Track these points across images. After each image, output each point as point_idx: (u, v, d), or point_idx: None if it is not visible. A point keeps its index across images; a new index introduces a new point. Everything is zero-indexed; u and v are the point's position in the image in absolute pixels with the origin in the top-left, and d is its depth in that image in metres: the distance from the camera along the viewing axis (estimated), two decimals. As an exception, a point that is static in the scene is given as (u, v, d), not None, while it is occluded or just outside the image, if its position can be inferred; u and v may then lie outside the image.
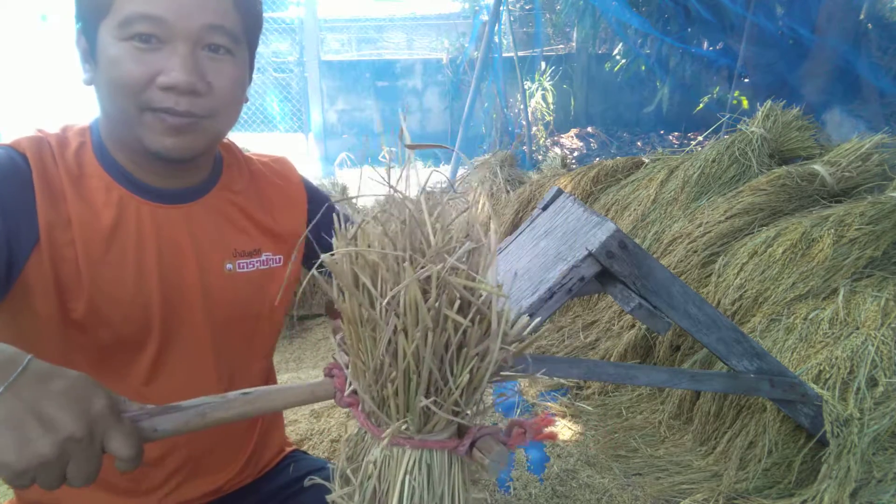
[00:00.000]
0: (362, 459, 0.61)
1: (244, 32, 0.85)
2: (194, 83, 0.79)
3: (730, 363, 1.58)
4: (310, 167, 7.00)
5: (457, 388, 0.54)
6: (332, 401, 0.65)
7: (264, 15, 0.89)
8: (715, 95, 6.25)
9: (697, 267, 2.46)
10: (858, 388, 1.70)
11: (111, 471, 0.66)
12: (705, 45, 6.17)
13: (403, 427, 0.57)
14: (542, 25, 7.73)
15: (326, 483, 0.65)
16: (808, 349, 1.88)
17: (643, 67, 6.49)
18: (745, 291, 2.20)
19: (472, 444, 0.58)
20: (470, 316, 0.52)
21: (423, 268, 0.52)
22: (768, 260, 2.23)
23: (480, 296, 0.53)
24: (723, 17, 4.99)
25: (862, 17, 5.18)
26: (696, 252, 2.50)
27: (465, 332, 0.53)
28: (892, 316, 1.86)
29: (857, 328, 1.87)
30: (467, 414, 0.58)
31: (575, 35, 8.10)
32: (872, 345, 1.77)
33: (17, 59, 4.98)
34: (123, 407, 0.59)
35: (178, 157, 0.83)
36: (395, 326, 0.52)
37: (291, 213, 1.03)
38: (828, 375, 1.74)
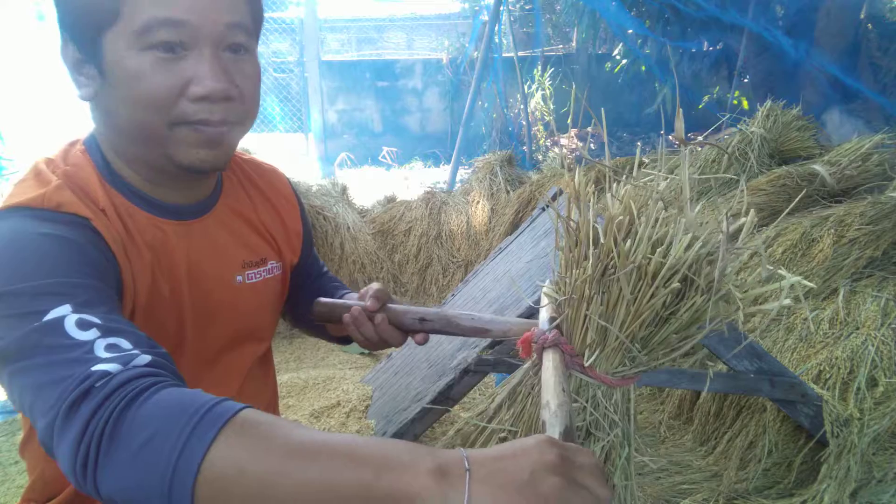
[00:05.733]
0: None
1: (254, 25, 0.80)
2: (228, 89, 0.75)
3: (730, 363, 1.58)
4: (310, 167, 6.99)
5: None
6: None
7: (264, 15, 0.88)
8: (715, 95, 6.24)
9: (697, 267, 2.46)
10: (858, 389, 1.70)
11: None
12: (705, 45, 6.16)
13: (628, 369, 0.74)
14: (542, 26, 7.72)
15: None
16: (808, 349, 1.88)
17: (643, 68, 6.49)
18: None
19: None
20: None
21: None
22: (768, 260, 2.23)
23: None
24: (721, 18, 4.99)
25: (861, 16, 5.18)
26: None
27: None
28: (892, 316, 1.86)
29: (857, 328, 1.86)
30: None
31: (575, 35, 8.10)
32: (872, 345, 1.77)
33: (14, 59, 4.97)
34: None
35: (212, 168, 0.80)
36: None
37: (289, 218, 1.01)
38: (828, 375, 1.74)
